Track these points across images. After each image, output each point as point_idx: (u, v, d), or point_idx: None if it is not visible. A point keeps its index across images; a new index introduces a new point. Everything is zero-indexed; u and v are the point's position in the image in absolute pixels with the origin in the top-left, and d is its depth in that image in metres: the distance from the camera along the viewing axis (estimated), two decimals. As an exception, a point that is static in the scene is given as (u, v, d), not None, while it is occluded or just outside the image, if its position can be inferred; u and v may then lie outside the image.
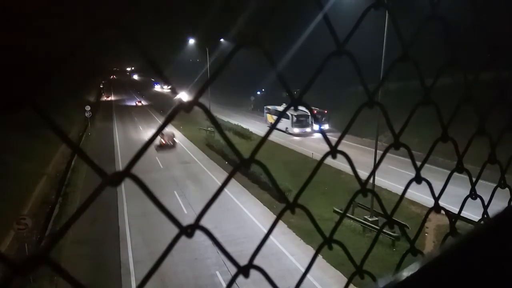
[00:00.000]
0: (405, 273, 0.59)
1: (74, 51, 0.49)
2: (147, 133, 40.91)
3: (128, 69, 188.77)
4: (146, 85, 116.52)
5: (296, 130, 39.10)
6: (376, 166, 1.11)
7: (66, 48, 0.48)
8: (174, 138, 35.02)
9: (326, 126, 37.30)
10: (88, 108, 43.42)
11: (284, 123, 39.91)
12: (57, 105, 39.04)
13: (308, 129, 39.02)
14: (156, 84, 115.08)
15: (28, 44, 38.24)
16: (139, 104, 73.71)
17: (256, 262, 0.75)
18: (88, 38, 0.48)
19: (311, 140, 35.35)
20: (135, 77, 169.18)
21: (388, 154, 1.04)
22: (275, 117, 42.78)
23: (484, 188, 1.27)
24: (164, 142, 33.53)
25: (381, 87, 1.06)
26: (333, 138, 0.84)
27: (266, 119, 46.33)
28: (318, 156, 20.56)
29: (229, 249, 0.75)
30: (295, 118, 38.66)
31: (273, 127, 0.82)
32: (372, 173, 1.02)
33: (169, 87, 0.74)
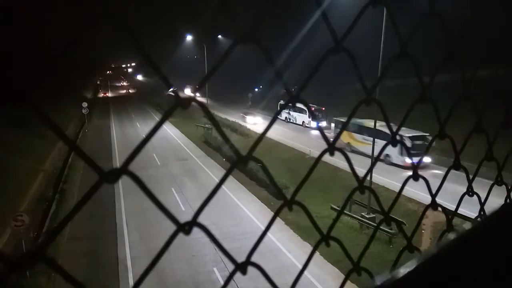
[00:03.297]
0: (402, 270, 0.59)
1: (71, 45, 0.48)
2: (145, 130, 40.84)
3: (124, 65, 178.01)
4: (157, 90, 71.01)
5: (408, 160, 22.14)
6: (373, 163, 1.11)
7: (63, 43, 0.48)
8: (130, 91, 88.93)
9: (323, 123, 37.11)
10: (85, 104, 43.05)
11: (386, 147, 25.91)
12: (54, 101, 38.87)
13: (426, 159, 21.91)
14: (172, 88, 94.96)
15: (25, 39, 38.01)
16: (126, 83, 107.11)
17: (254, 259, 0.76)
18: (85, 33, 0.48)
19: (308, 137, 35.30)
20: (139, 77, 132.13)
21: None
22: (357, 136, 28.06)
23: (481, 185, 1.27)
24: (128, 92, 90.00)
25: (379, 84, 1.06)
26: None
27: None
28: (315, 153, 20.53)
29: (226, 246, 0.75)
30: (409, 142, 22.13)
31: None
32: (370, 171, 1.02)
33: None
